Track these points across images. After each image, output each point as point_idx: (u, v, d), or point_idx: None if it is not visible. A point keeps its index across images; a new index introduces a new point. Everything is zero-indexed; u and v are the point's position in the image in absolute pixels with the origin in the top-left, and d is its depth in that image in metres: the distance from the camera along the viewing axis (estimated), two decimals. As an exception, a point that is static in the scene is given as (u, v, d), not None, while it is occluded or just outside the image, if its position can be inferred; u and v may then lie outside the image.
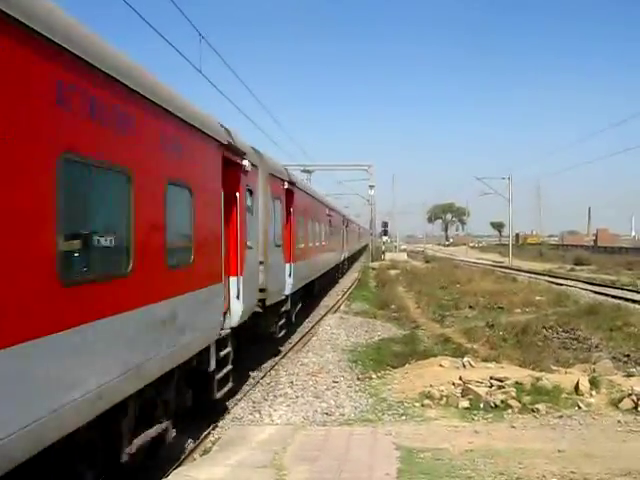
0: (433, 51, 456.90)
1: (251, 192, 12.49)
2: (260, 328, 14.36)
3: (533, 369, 12.70)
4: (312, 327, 21.12)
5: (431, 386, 11.15)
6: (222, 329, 10.17)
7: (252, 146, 13.23)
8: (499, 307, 25.99)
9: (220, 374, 10.05)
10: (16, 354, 4.40)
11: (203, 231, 9.02)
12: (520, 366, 13.29)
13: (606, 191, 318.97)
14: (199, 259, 8.63)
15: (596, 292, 32.33)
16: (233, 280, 11.06)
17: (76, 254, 5.49)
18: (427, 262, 65.94)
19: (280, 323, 16.27)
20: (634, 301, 27.32)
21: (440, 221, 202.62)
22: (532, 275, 45.55)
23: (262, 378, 13.60)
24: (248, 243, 11.99)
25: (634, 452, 8.16)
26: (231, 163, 10.76)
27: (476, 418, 9.84)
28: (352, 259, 62.14)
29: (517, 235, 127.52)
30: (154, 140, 7.13)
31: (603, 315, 22.15)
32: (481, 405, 10.29)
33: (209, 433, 10.03)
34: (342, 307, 27.04)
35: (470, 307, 26.36)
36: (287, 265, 17.07)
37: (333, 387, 11.89)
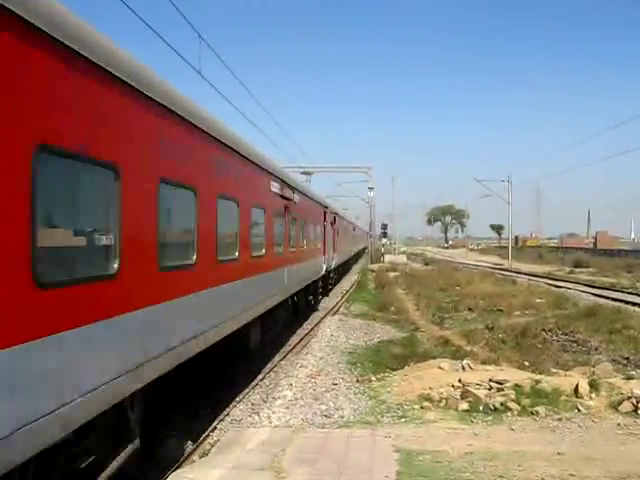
0: (432, 53, 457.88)
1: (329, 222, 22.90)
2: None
3: (532, 372, 12.69)
4: (311, 329, 21.11)
5: (430, 388, 11.13)
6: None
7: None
8: (498, 309, 26.00)
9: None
10: None
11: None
12: (519, 369, 13.29)
13: (606, 193, 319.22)
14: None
15: (596, 295, 32.35)
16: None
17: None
18: (426, 264, 65.97)
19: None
20: (634, 304, 27.32)
21: (439, 223, 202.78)
22: (532, 277, 45.57)
23: (261, 380, 13.59)
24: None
25: (634, 455, 8.15)
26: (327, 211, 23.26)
27: (475, 421, 9.82)
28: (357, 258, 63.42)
29: (517, 237, 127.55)
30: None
31: (603, 318, 22.16)
32: (480, 408, 10.28)
33: (208, 435, 10.02)
34: (341, 309, 27.05)
35: (469, 309, 26.37)
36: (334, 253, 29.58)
37: (332, 389, 11.87)
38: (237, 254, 11.12)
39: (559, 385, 10.93)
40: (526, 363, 14.75)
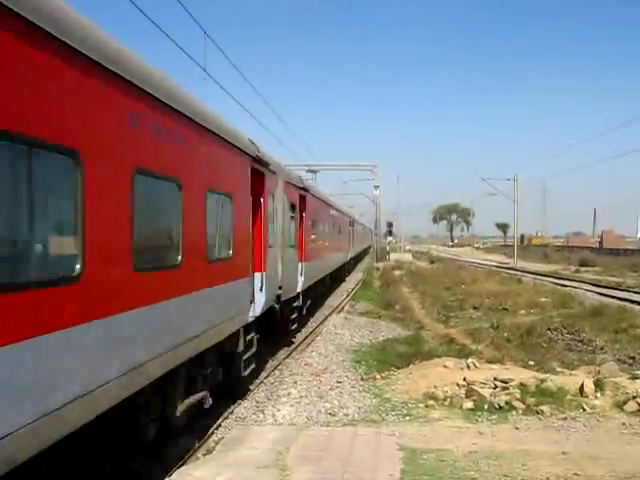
0: (438, 52, 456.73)
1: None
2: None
3: (537, 371, 12.67)
4: (316, 327, 21.13)
5: (435, 387, 11.14)
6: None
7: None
8: (504, 308, 25.93)
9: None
10: None
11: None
12: (524, 367, 13.27)
13: (612, 193, 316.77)
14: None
15: (601, 294, 32.24)
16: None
17: None
18: (432, 263, 65.82)
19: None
20: (639, 303, 27.23)
21: (445, 222, 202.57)
22: (537, 276, 45.41)
23: (266, 378, 13.61)
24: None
25: (639, 455, 8.13)
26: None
27: (480, 419, 9.82)
28: (358, 259, 62.16)
29: (522, 236, 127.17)
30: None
31: (608, 317, 22.08)
32: (485, 406, 10.27)
33: (212, 433, 10.04)
34: (346, 307, 27.05)
35: (475, 308, 26.31)
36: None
37: (337, 387, 11.88)
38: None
39: (564, 384, 10.91)
40: (531, 362, 14.71)
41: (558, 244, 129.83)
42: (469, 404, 10.39)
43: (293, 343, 17.94)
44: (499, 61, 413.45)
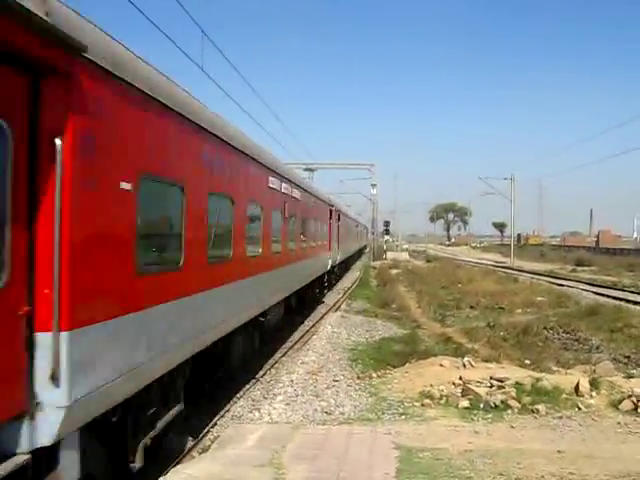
0: (435, 50, 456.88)
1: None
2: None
3: (533, 370, 12.69)
4: (313, 325, 21.12)
5: (431, 386, 11.14)
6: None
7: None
8: (500, 307, 25.98)
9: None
10: None
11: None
12: (520, 366, 13.29)
13: (608, 192, 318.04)
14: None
15: (597, 293, 32.30)
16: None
17: None
18: (429, 262, 65.90)
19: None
20: (635, 302, 27.28)
21: (442, 221, 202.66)
22: (533, 276, 45.51)
23: (262, 376, 13.61)
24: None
25: (633, 453, 8.15)
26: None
27: (476, 418, 9.83)
28: (359, 255, 57.17)
29: (519, 235, 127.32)
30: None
31: (604, 316, 22.13)
32: (481, 405, 10.28)
33: (208, 431, 10.04)
34: (343, 306, 27.05)
35: (471, 307, 26.36)
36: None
37: (333, 386, 11.88)
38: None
39: (560, 383, 10.93)
40: (527, 361, 14.73)
41: (555, 243, 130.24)
42: (465, 403, 10.40)
43: (289, 341, 17.95)
44: (497, 60, 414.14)
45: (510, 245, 70.73)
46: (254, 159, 12.06)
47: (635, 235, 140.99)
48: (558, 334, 19.21)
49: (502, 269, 53.50)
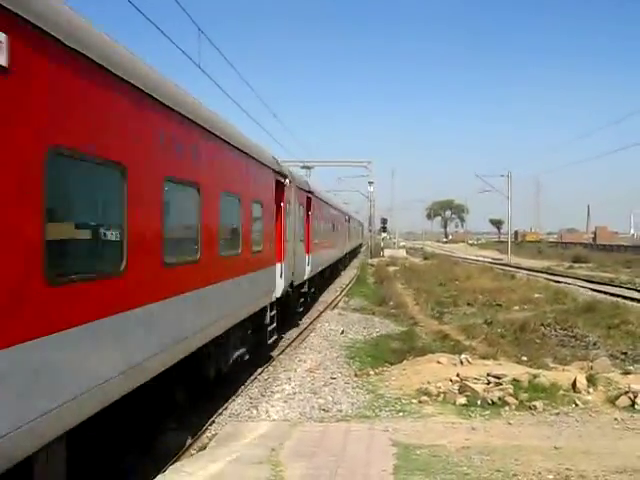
0: (433, 47, 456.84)
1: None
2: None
3: (531, 366, 12.71)
4: (310, 323, 21.13)
5: (428, 383, 11.16)
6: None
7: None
8: (497, 304, 26.02)
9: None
10: None
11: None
12: (518, 363, 13.31)
13: (605, 189, 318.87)
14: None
15: (594, 290, 32.35)
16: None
17: None
18: (426, 259, 65.95)
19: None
20: (632, 299, 27.35)
21: (439, 218, 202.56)
22: (531, 272, 45.58)
23: (260, 374, 13.61)
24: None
25: (630, 449, 8.17)
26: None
27: (473, 415, 9.84)
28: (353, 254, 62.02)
29: (516, 232, 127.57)
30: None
31: (601, 313, 22.18)
32: (478, 402, 10.30)
33: (206, 429, 10.04)
34: (340, 303, 27.06)
35: (468, 304, 26.39)
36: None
37: (331, 383, 11.89)
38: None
39: (557, 380, 10.95)
40: (524, 358, 14.77)
41: (552, 240, 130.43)
42: (462, 400, 10.41)
43: (287, 339, 17.96)
44: (495, 57, 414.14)
45: (507, 242, 70.84)
46: None
47: (632, 232, 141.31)
48: (555, 331, 19.26)
49: (499, 266, 53.56)
